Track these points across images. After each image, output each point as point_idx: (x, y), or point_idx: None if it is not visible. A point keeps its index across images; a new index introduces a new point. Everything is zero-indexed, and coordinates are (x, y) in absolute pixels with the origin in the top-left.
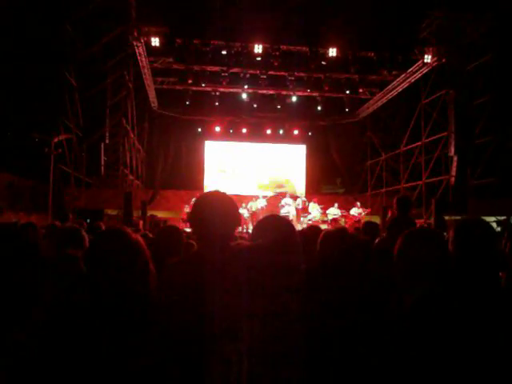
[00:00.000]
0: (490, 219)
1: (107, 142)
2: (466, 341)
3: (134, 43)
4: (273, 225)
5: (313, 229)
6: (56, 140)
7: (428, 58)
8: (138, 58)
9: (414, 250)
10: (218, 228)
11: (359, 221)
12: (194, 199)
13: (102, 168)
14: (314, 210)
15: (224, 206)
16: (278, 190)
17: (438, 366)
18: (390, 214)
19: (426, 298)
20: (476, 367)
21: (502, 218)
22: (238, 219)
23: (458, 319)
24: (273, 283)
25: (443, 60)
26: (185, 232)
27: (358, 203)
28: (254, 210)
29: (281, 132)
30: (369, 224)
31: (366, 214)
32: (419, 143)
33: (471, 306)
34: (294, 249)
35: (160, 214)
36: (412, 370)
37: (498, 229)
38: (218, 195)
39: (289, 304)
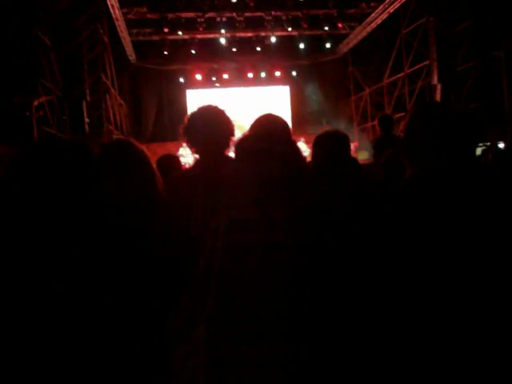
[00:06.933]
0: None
1: (88, 99)
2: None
3: None
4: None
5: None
6: (36, 103)
7: None
8: (111, 9)
9: (421, 124)
10: (215, 138)
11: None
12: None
13: (86, 126)
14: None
15: (217, 118)
16: None
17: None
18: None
19: (423, 171)
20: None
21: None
22: (231, 129)
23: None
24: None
25: None
26: None
27: None
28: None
29: (263, 75)
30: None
31: (354, 148)
32: (402, 74)
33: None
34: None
35: None
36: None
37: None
38: (211, 109)
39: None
